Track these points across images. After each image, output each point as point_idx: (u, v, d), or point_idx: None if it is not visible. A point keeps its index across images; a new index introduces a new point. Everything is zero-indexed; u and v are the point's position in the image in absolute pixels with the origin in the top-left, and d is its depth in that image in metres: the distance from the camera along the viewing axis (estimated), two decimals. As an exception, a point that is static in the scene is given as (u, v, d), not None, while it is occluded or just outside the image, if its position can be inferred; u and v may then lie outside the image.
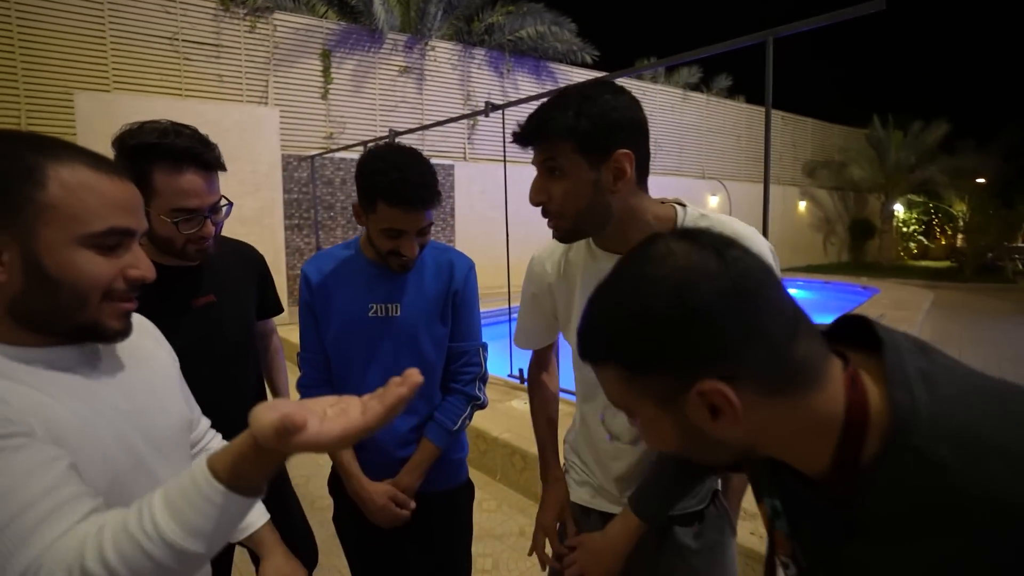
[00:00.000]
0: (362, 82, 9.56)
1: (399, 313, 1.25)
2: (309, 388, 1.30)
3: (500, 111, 3.56)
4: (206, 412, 1.16)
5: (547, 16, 11.08)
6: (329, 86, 9.23)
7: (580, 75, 11.83)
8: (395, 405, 0.54)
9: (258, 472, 0.53)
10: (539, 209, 0.92)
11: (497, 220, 8.76)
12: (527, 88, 11.14)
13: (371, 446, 1.27)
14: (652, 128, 0.93)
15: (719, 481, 1.10)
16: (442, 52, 10.36)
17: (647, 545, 1.05)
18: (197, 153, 1.10)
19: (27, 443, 0.56)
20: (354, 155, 7.77)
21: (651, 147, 0.92)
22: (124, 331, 0.71)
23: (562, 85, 12.14)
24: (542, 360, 1.25)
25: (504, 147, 3.93)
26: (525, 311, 1.17)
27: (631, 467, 1.04)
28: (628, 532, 0.96)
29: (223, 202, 1.19)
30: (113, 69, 7.74)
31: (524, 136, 0.91)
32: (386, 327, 1.25)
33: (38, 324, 0.65)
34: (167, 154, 1.07)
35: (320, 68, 9.19)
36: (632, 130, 0.88)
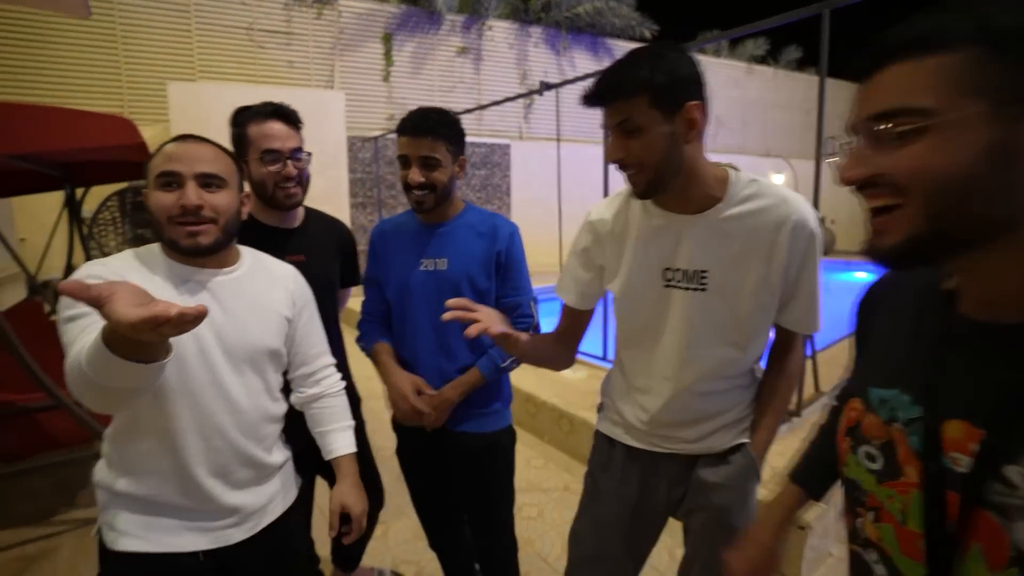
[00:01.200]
0: (421, 64, 9.80)
1: (446, 267, 1.39)
2: (362, 325, 1.53)
3: (554, 90, 3.66)
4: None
5: (605, -9, 10.88)
6: (390, 68, 9.55)
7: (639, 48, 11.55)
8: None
9: (110, 333, 0.70)
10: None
11: (551, 199, 8.85)
12: (584, 65, 11.03)
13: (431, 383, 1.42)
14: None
15: (749, 432, 1.15)
16: (499, 31, 10.41)
17: (670, 479, 1.14)
18: (277, 108, 1.41)
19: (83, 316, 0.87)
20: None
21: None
22: (194, 248, 0.96)
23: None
24: (565, 335, 1.24)
25: (558, 126, 4.04)
26: (573, 260, 1.19)
27: (660, 408, 1.12)
28: (788, 503, 0.88)
29: (302, 154, 1.43)
30: (198, 60, 8.38)
31: (599, 96, 0.94)
32: (434, 279, 1.40)
33: (166, 243, 0.99)
34: (256, 112, 1.39)
35: (382, 51, 9.51)
36: (698, 84, 0.93)
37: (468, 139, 1.44)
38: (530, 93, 3.85)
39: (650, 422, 1.13)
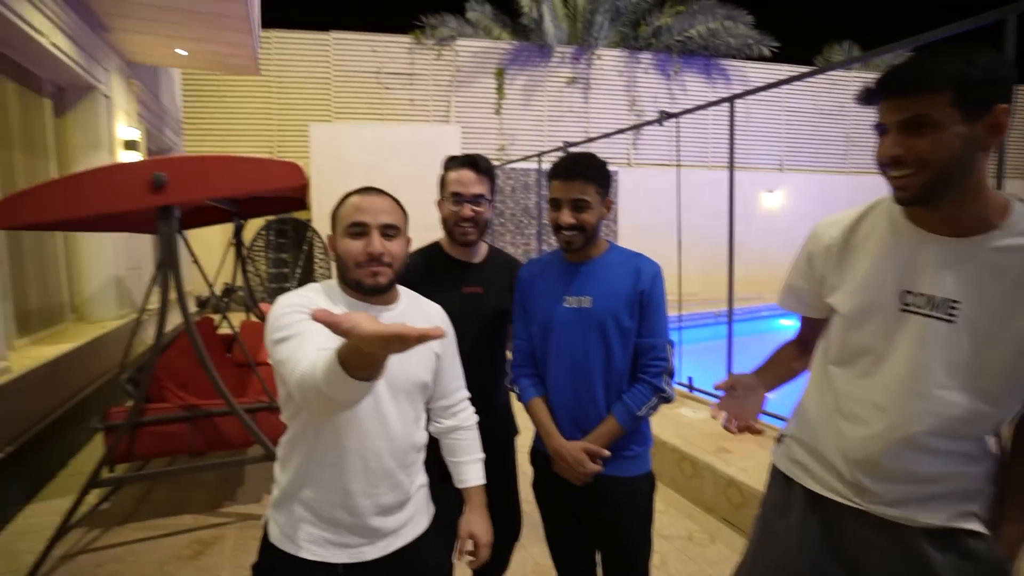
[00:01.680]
0: (531, 95, 10.13)
1: (591, 305, 1.40)
2: (516, 368, 1.56)
3: (675, 119, 3.59)
4: (483, 375, 1.57)
5: (720, 12, 10.54)
6: (502, 101, 9.98)
7: (756, 69, 11.02)
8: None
9: (347, 355, 0.76)
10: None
11: (660, 225, 8.63)
12: (696, 88, 10.72)
13: (567, 418, 1.44)
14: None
15: (980, 520, 0.95)
16: (608, 60, 10.48)
17: (859, 542, 0.99)
18: (472, 159, 1.57)
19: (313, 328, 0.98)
20: (525, 165, 8.29)
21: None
22: (375, 287, 1.08)
23: (734, 83, 11.33)
24: (802, 343, 1.22)
25: (678, 152, 3.95)
26: (795, 269, 1.16)
27: (864, 442, 0.97)
28: None
29: (485, 199, 1.57)
30: (334, 103, 9.38)
31: (897, 87, 0.87)
32: (578, 316, 1.41)
33: (345, 282, 1.12)
34: (455, 160, 1.59)
35: (494, 86, 9.98)
36: (1010, 87, 0.85)
37: None
38: (648, 123, 3.80)
39: (847, 459, 1.01)
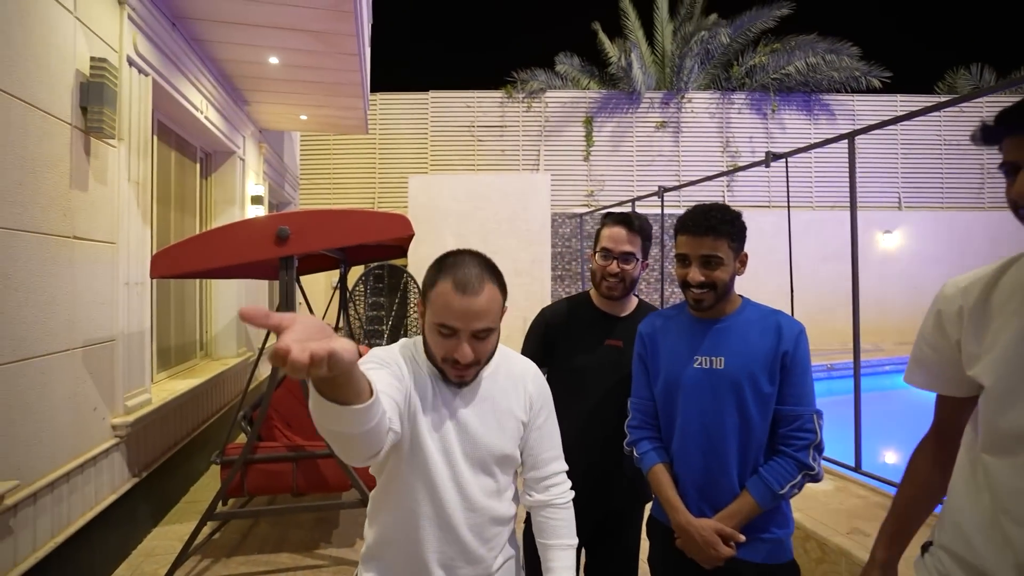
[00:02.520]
0: (620, 142, 10.17)
1: (723, 366, 1.29)
2: (636, 429, 1.45)
3: (782, 159, 3.38)
4: (588, 425, 1.55)
5: (820, 46, 10.08)
6: (591, 149, 10.10)
7: (866, 102, 10.29)
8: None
9: (318, 383, 0.71)
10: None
11: (759, 270, 8.12)
12: (795, 126, 10.21)
13: (695, 490, 1.30)
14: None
15: None
16: (699, 103, 10.33)
17: None
18: (626, 217, 1.60)
19: (394, 371, 1.00)
20: (619, 211, 8.24)
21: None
22: (460, 384, 1.04)
23: (839, 118, 10.62)
24: (942, 434, 1.00)
25: (788, 194, 3.70)
26: (922, 337, 0.98)
27: None
28: None
29: (634, 258, 1.58)
30: (431, 156, 10.00)
31: None
32: (709, 378, 1.30)
33: (436, 368, 1.05)
34: (611, 218, 1.62)
35: (583, 133, 10.15)
36: None
37: (666, 211, 1.41)
38: (756, 164, 3.61)
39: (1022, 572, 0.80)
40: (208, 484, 3.76)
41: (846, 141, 2.75)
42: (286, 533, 2.99)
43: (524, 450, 1.14)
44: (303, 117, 5.40)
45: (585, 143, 10.11)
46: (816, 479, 1.27)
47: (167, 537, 2.98)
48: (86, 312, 2.39)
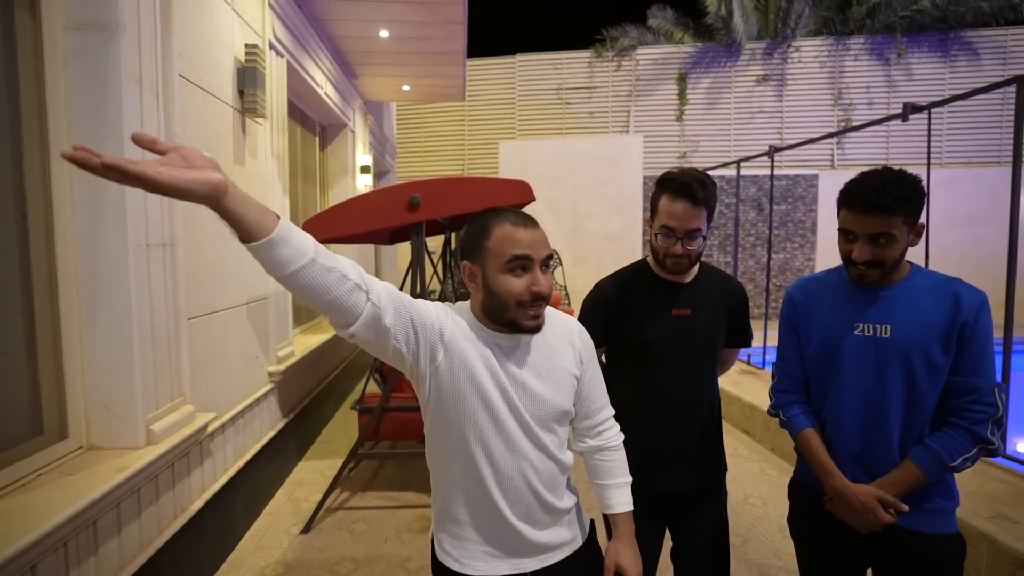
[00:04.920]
0: (716, 99, 9.57)
1: (888, 334, 1.24)
2: (783, 393, 1.44)
3: (924, 112, 3.06)
4: (661, 400, 1.49)
5: (965, -26, 8.76)
6: (684, 107, 9.60)
7: (1019, 34, 8.87)
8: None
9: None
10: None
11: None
12: (925, 71, 9.05)
13: (849, 457, 1.28)
14: None
15: None
16: (807, 51, 9.42)
17: None
18: (688, 186, 1.35)
19: (423, 310, 0.99)
20: (720, 172, 7.87)
21: None
22: (535, 328, 1.03)
23: (984, 57, 9.29)
24: None
25: (928, 151, 3.34)
26: None
27: None
28: None
29: (699, 234, 1.39)
30: (519, 120, 9.99)
31: None
32: (873, 346, 1.25)
33: (491, 317, 1.04)
34: (670, 186, 1.39)
35: (676, 92, 9.65)
36: None
37: (763, 172, 1.28)
38: (890, 118, 3.29)
39: None
40: (336, 427, 4.21)
41: (1013, 87, 2.45)
42: (411, 475, 3.32)
43: (576, 402, 1.17)
44: (405, 87, 5.60)
45: (678, 101, 9.62)
46: (994, 452, 1.22)
47: (310, 470, 3.40)
48: (247, 273, 2.73)
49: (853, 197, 1.22)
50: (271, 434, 2.98)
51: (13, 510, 1.40)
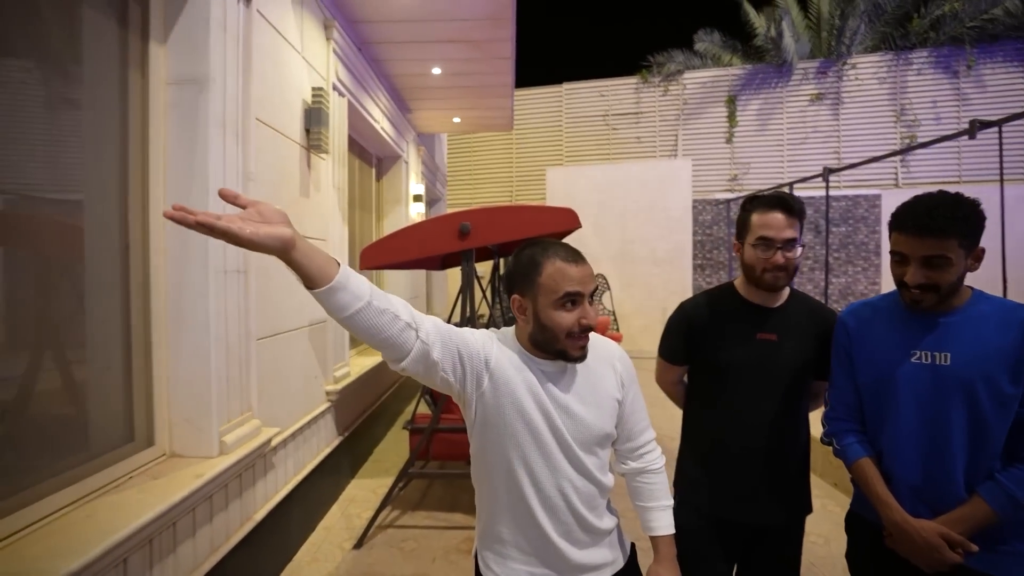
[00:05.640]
0: (767, 120, 9.40)
1: (948, 362, 1.19)
2: (837, 421, 1.40)
3: (995, 128, 2.93)
4: (738, 426, 1.46)
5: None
6: (734, 130, 9.48)
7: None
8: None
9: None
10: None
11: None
12: (999, 82, 8.57)
13: (909, 491, 1.23)
14: None
15: None
16: (865, 68, 9.13)
17: None
18: (782, 199, 1.40)
19: (469, 340, 1.06)
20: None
21: None
22: (581, 358, 1.08)
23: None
24: None
25: (1000, 166, 3.16)
26: None
27: None
28: None
29: (796, 243, 1.40)
30: (566, 148, 10.16)
31: None
32: (932, 375, 1.21)
33: (539, 347, 1.10)
34: (762, 201, 1.44)
35: (725, 114, 9.56)
36: None
37: (819, 193, 1.23)
38: (956, 135, 3.16)
39: None
40: (387, 447, 4.33)
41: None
42: (458, 496, 3.37)
43: (618, 425, 1.19)
44: (456, 119, 5.86)
45: (727, 124, 9.52)
46: None
47: (362, 488, 3.52)
48: (309, 298, 2.91)
49: (904, 219, 1.20)
50: (327, 451, 3.12)
51: (108, 508, 1.56)
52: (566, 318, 1.05)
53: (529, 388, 1.08)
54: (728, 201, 8.77)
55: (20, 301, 1.57)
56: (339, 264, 0.88)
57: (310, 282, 0.86)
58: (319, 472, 2.98)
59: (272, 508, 2.38)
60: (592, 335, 1.20)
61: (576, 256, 1.08)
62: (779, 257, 1.38)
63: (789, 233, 1.38)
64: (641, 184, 8.10)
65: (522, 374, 1.09)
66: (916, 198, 1.21)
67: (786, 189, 5.26)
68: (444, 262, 3.76)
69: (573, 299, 1.05)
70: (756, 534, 1.49)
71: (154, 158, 1.93)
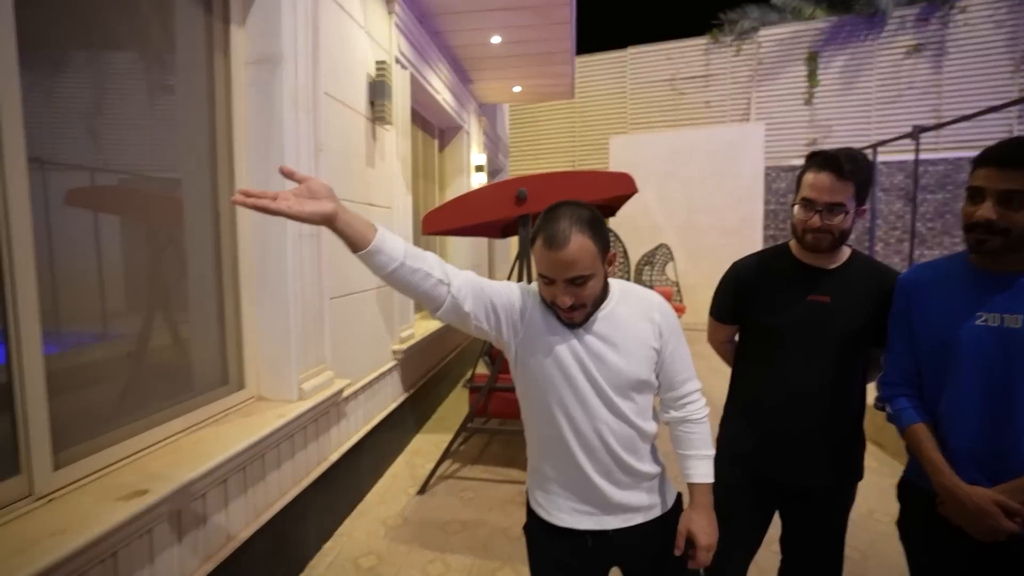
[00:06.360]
0: (854, 77, 8.63)
1: (1020, 325, 1.13)
2: (891, 386, 1.36)
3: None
4: (783, 388, 1.45)
5: None
6: (814, 90, 8.80)
7: None
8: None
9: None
10: None
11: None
12: None
13: (968, 458, 1.19)
14: None
15: None
16: (977, 10, 8.10)
17: None
18: (832, 159, 1.32)
19: (503, 292, 1.17)
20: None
21: None
22: (571, 326, 1.15)
23: None
24: None
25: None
26: None
27: None
28: None
29: (842, 209, 1.33)
30: (630, 114, 9.86)
31: None
32: (998, 339, 1.15)
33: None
34: (816, 160, 1.36)
35: (804, 73, 8.87)
36: None
37: (912, 157, 1.16)
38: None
39: None
40: (449, 406, 4.58)
41: None
42: (515, 453, 3.53)
43: (660, 374, 1.23)
44: (516, 89, 5.86)
45: (807, 84, 8.84)
46: None
47: (426, 442, 3.77)
48: (377, 262, 3.11)
49: (989, 152, 1.14)
50: (394, 405, 3.36)
51: (210, 437, 1.82)
52: (544, 291, 1.13)
53: (562, 337, 1.16)
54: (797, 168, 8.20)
55: (137, 266, 1.82)
56: (376, 230, 1.02)
57: (353, 246, 1.01)
58: (386, 424, 3.23)
59: (345, 452, 2.63)
60: (634, 286, 1.27)
61: (554, 241, 1.06)
62: (816, 220, 1.34)
63: (835, 197, 1.31)
64: (709, 151, 7.75)
65: (555, 324, 1.17)
66: (1008, 139, 1.14)
67: (869, 152, 4.88)
68: (505, 231, 3.85)
69: (547, 280, 1.11)
70: (800, 495, 1.48)
71: (238, 133, 2.13)
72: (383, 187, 3.27)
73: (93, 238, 1.64)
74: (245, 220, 2.17)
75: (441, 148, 5.50)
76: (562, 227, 1.06)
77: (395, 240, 1.05)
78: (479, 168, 5.78)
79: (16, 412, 1.32)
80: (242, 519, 1.88)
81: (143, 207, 1.84)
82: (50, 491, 1.38)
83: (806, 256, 1.44)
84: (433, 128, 5.25)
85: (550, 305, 1.14)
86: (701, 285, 7.65)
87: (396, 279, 1.05)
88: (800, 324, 1.42)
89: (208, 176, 2.05)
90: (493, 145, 7.30)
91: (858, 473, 1.49)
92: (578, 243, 1.06)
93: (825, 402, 1.42)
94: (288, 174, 0.99)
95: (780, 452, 1.46)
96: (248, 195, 0.91)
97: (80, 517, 1.29)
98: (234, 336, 2.17)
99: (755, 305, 1.50)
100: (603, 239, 1.11)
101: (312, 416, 2.29)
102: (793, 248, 1.48)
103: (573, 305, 1.09)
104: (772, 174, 8.53)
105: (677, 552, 1.20)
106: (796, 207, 1.39)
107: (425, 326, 4.23)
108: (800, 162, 8.34)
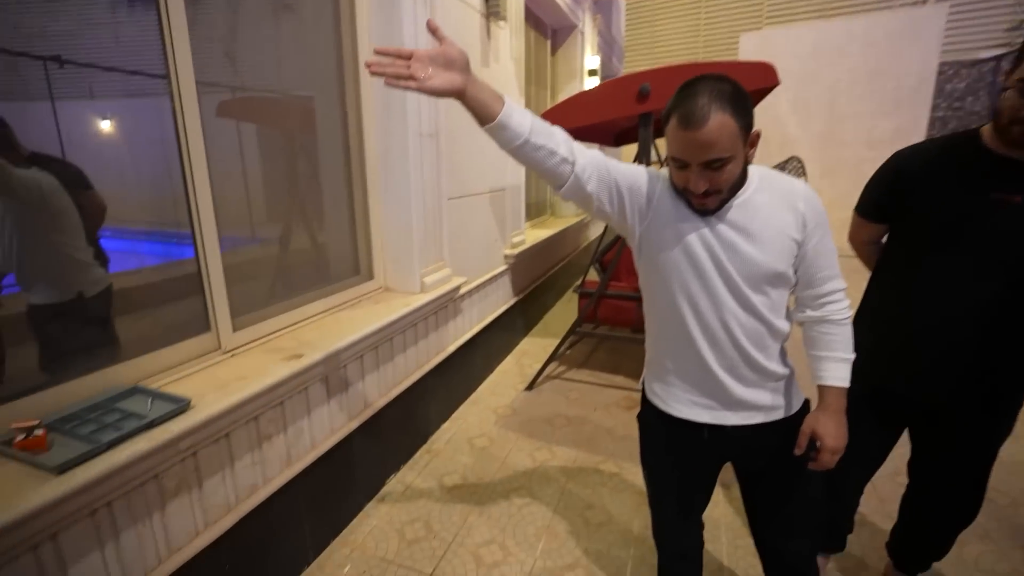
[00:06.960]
0: (1091, -67, 6.61)
1: None
2: None
3: None
4: (957, 298, 1.25)
5: None
6: (1027, -45, 6.90)
7: None
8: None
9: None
10: None
11: None
12: None
13: None
14: None
15: None
16: None
17: None
18: None
19: (629, 175, 1.12)
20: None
21: None
22: (703, 212, 1.07)
23: None
24: None
25: None
26: None
27: None
28: None
29: None
30: (768, 8, 8.53)
31: None
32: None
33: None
34: None
35: (1016, -67, 6.95)
36: None
37: None
38: None
39: None
40: (556, 314, 4.68)
41: None
42: (621, 361, 3.58)
43: (799, 268, 1.12)
44: (638, -22, 5.27)
45: (1018, -52, 6.93)
46: None
47: (533, 345, 3.93)
48: (489, 166, 3.12)
49: None
50: (504, 307, 3.51)
51: (347, 319, 2.03)
52: (676, 176, 1.05)
53: (692, 224, 1.09)
54: (998, 59, 6.63)
55: (278, 171, 1.99)
56: (504, 103, 1.01)
57: (480, 120, 1.02)
58: (497, 325, 3.39)
59: (460, 345, 2.82)
60: (777, 174, 1.14)
61: (691, 120, 0.96)
62: None
63: None
64: (865, 45, 6.53)
65: (685, 210, 1.10)
66: None
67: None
68: (618, 138, 3.64)
69: (679, 164, 1.03)
70: (932, 413, 1.37)
71: (360, 31, 2.16)
72: (497, 88, 3.19)
73: (238, 151, 1.81)
74: (370, 120, 2.25)
75: (553, 51, 5.20)
76: (700, 103, 0.95)
77: (522, 115, 1.02)
78: (592, 72, 5.42)
79: (205, 290, 1.58)
80: (376, 391, 2.12)
81: (283, 116, 1.98)
82: (232, 347, 1.65)
83: (1002, 147, 1.19)
84: (546, 28, 4.95)
85: (681, 191, 1.06)
86: (837, 203, 6.73)
87: (521, 156, 1.05)
88: (973, 225, 1.20)
89: (334, 74, 2.13)
90: (607, 47, 6.76)
91: (1016, 404, 1.31)
92: (718, 121, 0.95)
93: (986, 324, 1.23)
94: (434, 30, 1.01)
95: (952, 371, 1.30)
96: (384, 54, 0.93)
97: (256, 368, 1.55)
98: (363, 232, 2.34)
99: (918, 200, 1.28)
100: (747, 116, 0.99)
101: (432, 308, 2.46)
102: (985, 136, 1.22)
103: (707, 191, 1.01)
104: (947, 71, 7.04)
105: (797, 451, 1.14)
106: (1009, 91, 1.14)
107: (535, 234, 4.26)
108: (992, 53, 6.76)
